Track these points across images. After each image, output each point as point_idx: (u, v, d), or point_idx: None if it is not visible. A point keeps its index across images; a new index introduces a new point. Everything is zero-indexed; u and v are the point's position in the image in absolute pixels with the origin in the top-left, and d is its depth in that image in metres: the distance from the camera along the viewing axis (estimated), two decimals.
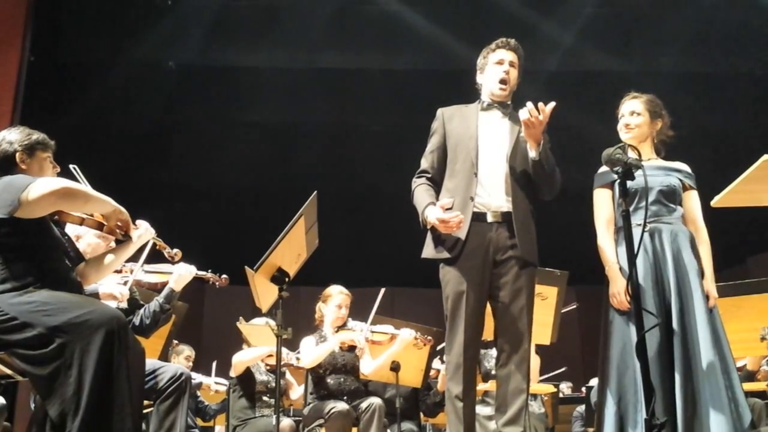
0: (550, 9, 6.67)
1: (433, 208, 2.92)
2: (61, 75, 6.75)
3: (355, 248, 8.54)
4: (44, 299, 2.31)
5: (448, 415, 2.93)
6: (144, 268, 3.41)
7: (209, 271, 3.60)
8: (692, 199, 3.09)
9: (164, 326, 3.62)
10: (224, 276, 3.66)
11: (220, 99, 7.33)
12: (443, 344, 3.32)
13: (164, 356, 4.15)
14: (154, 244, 3.12)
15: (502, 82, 3.09)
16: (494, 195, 2.98)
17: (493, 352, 4.84)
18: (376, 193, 7.80)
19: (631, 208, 2.83)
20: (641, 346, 2.43)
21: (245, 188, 8.44)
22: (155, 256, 3.29)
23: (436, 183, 3.10)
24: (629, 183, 2.55)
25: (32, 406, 3.74)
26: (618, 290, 2.89)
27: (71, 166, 2.98)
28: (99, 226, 2.61)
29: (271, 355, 4.36)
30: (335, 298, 4.36)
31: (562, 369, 6.93)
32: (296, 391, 4.96)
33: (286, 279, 3.09)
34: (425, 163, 3.15)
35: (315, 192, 3.15)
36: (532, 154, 2.94)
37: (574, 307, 4.83)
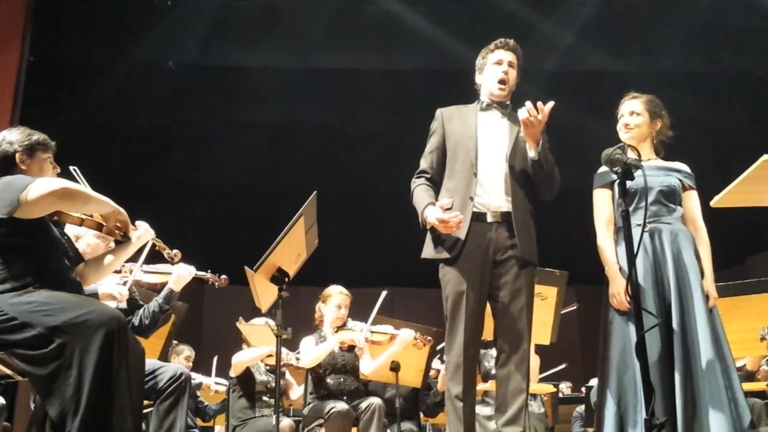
0: (550, 9, 6.66)
1: (433, 209, 2.93)
2: (61, 75, 6.75)
3: (354, 248, 8.54)
4: (44, 299, 2.31)
5: (448, 415, 2.93)
6: (143, 269, 3.41)
7: (209, 271, 3.60)
8: (692, 199, 3.09)
9: (164, 326, 3.63)
10: (223, 276, 3.66)
11: (220, 99, 7.33)
12: (443, 344, 3.32)
13: (164, 356, 4.15)
14: (154, 245, 3.12)
15: (501, 82, 3.09)
16: (494, 195, 2.98)
17: (493, 352, 4.84)
18: (376, 193, 7.80)
19: (630, 208, 2.83)
20: (641, 346, 2.43)
21: (245, 188, 8.43)
22: (155, 257, 3.29)
23: (436, 183, 3.10)
24: (629, 183, 2.55)
25: (32, 406, 3.74)
26: (618, 290, 2.89)
27: (72, 168, 2.98)
28: (98, 227, 2.61)
29: (270, 355, 4.36)
30: (335, 299, 4.36)
31: (562, 366, 6.92)
32: (296, 391, 4.96)
33: (286, 279, 3.09)
34: (424, 163, 3.15)
35: (315, 192, 3.15)
36: (532, 153, 2.94)
37: (575, 308, 4.83)
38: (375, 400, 4.02)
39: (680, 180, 3.07)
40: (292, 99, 7.27)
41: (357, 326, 4.32)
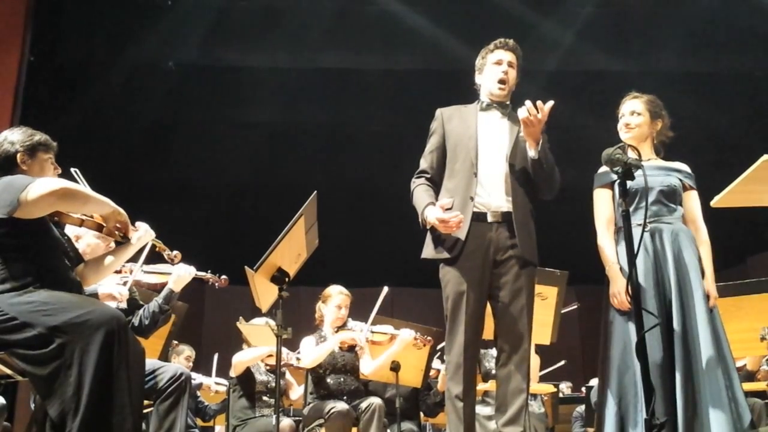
0: (550, 9, 6.67)
1: (433, 208, 2.93)
2: (61, 75, 6.75)
3: (354, 248, 8.54)
4: (44, 299, 2.31)
5: (448, 415, 2.93)
6: (143, 269, 3.41)
7: (209, 271, 3.60)
8: (692, 199, 3.09)
9: (164, 326, 3.62)
10: (224, 277, 3.66)
11: (220, 99, 7.33)
12: (443, 344, 3.32)
13: (164, 356, 4.15)
14: (154, 246, 3.12)
15: (501, 82, 3.09)
16: (494, 195, 2.98)
17: (493, 351, 4.84)
18: (376, 193, 7.81)
19: (631, 208, 2.83)
20: (641, 346, 2.43)
21: (245, 188, 8.44)
22: (155, 256, 3.29)
23: (436, 183, 3.10)
24: (629, 183, 2.55)
25: (32, 406, 3.74)
26: (618, 290, 2.89)
27: (72, 170, 2.98)
28: (98, 228, 2.61)
29: (271, 355, 4.36)
30: (335, 299, 4.36)
31: (561, 363, 6.91)
32: (296, 391, 4.96)
33: (286, 279, 3.09)
34: (424, 163, 3.15)
35: (315, 192, 3.15)
36: (532, 153, 2.94)
37: (575, 307, 4.82)
38: (375, 400, 4.02)
39: (680, 180, 3.07)
40: (292, 99, 7.27)
41: (357, 326, 4.33)
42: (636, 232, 2.76)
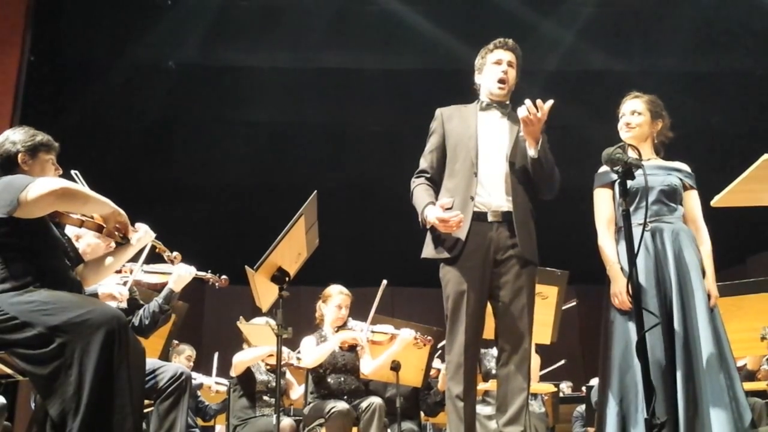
0: (550, 9, 6.66)
1: (433, 208, 2.93)
2: (61, 75, 6.75)
3: (355, 248, 8.54)
4: (44, 299, 2.31)
5: (449, 415, 2.93)
6: (144, 269, 3.42)
7: (209, 271, 3.60)
8: (692, 199, 3.09)
9: (164, 326, 3.63)
10: (224, 277, 3.66)
11: (220, 99, 7.33)
12: (443, 342, 3.32)
13: (164, 356, 4.15)
14: (154, 247, 3.12)
15: (501, 81, 3.09)
16: (494, 194, 2.98)
17: (494, 351, 4.85)
18: (376, 193, 7.81)
19: (631, 208, 2.83)
20: (641, 345, 2.43)
21: (245, 188, 8.43)
22: (155, 256, 3.29)
23: (435, 183, 3.10)
24: (629, 182, 2.55)
25: (32, 405, 3.74)
26: (619, 290, 2.89)
27: (73, 172, 2.98)
28: (98, 228, 2.61)
29: (271, 355, 4.36)
30: (335, 299, 4.36)
31: (561, 362, 6.92)
32: (296, 391, 4.97)
33: (287, 278, 3.09)
34: (424, 163, 3.15)
35: (315, 192, 3.15)
36: (531, 152, 2.94)
37: (574, 303, 4.82)
38: (375, 400, 4.02)
39: (681, 179, 3.07)
40: (292, 99, 7.27)
41: (357, 326, 4.33)
42: (636, 232, 2.76)
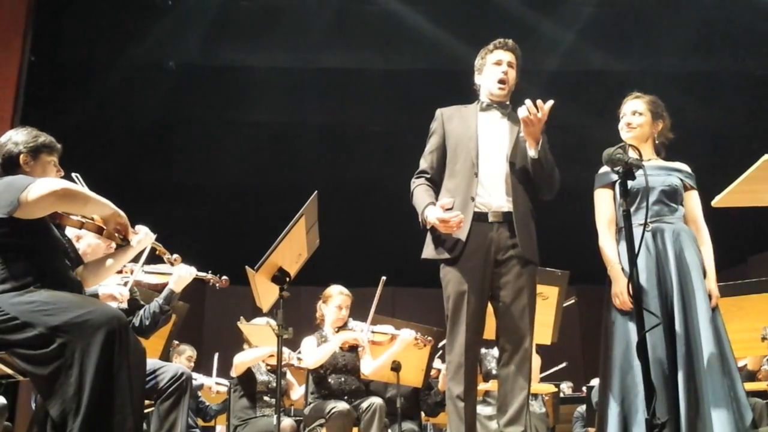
0: (550, 9, 6.66)
1: (433, 208, 2.93)
2: (62, 75, 6.75)
3: (355, 248, 8.54)
4: (45, 299, 2.31)
5: (449, 415, 2.93)
6: (144, 269, 3.42)
7: (209, 271, 3.60)
8: (693, 199, 3.09)
9: (165, 326, 3.63)
10: (224, 277, 3.66)
11: (220, 99, 7.33)
12: (443, 342, 3.32)
13: (165, 356, 4.15)
14: (154, 249, 3.11)
15: (501, 82, 3.09)
16: (495, 195, 2.98)
17: (494, 352, 4.86)
18: (377, 193, 7.81)
19: (632, 208, 2.83)
20: (641, 345, 2.43)
21: (245, 188, 8.44)
22: (156, 257, 3.29)
23: (435, 183, 3.10)
24: (630, 183, 2.54)
25: (33, 405, 3.75)
26: (621, 290, 2.89)
27: (74, 175, 2.98)
28: (98, 230, 2.61)
29: (272, 356, 4.36)
30: (335, 299, 4.36)
31: (563, 364, 6.92)
32: (297, 391, 4.97)
33: (287, 279, 3.09)
34: (424, 163, 3.15)
35: (315, 192, 3.15)
36: (531, 152, 2.94)
37: (573, 301, 4.82)
38: (376, 400, 4.02)
39: (681, 180, 3.07)
40: (292, 99, 7.27)
41: (358, 326, 4.32)
42: (637, 232, 2.76)
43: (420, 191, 3.06)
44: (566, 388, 7.51)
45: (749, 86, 7.07)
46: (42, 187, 2.33)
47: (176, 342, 5.35)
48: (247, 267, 3.00)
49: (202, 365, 6.51)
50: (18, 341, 2.26)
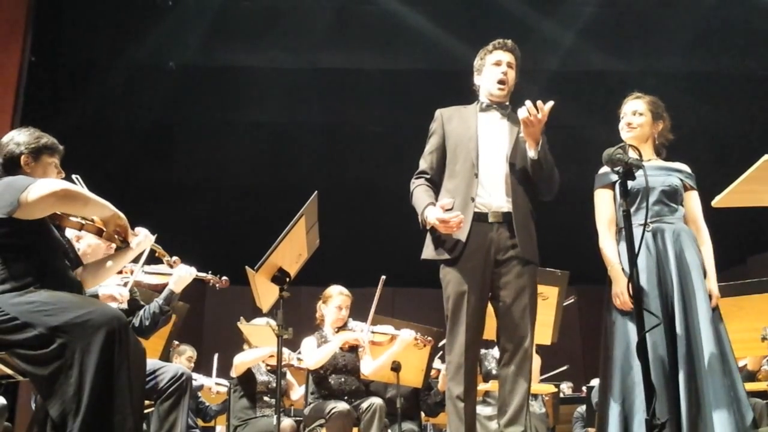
0: (550, 9, 6.67)
1: (433, 209, 2.93)
2: (62, 75, 6.75)
3: (355, 248, 8.54)
4: (45, 299, 2.31)
5: (449, 416, 2.93)
6: (144, 269, 3.42)
7: (209, 272, 3.60)
8: (693, 200, 3.09)
9: (165, 327, 3.63)
10: (224, 278, 3.66)
11: (220, 99, 7.33)
12: (443, 343, 3.31)
13: (165, 356, 4.15)
14: (154, 251, 3.11)
15: (501, 82, 3.09)
16: (495, 195, 2.98)
17: (494, 352, 4.86)
18: (377, 193, 7.80)
19: (632, 209, 2.83)
20: (641, 346, 2.43)
21: (245, 188, 8.43)
22: (156, 257, 3.29)
23: (435, 184, 3.10)
24: (630, 183, 2.54)
25: (33, 406, 3.74)
26: (621, 290, 2.89)
27: (74, 176, 2.98)
28: (98, 232, 2.61)
29: (272, 356, 4.36)
30: (335, 299, 4.36)
31: (564, 367, 6.91)
32: (297, 392, 4.97)
33: (287, 279, 3.09)
34: (424, 164, 3.15)
35: (315, 192, 3.15)
36: (531, 153, 2.94)
37: (573, 300, 4.82)
38: (376, 400, 4.02)
39: (681, 180, 3.07)
40: (292, 99, 7.27)
41: (358, 326, 4.33)
42: (637, 233, 2.76)
43: (420, 192, 3.06)
44: (566, 388, 7.51)
45: (749, 86, 7.07)
46: (42, 188, 2.33)
47: (176, 342, 5.35)
48: (247, 267, 3.00)
49: (202, 365, 6.50)
50: (18, 341, 2.26)
